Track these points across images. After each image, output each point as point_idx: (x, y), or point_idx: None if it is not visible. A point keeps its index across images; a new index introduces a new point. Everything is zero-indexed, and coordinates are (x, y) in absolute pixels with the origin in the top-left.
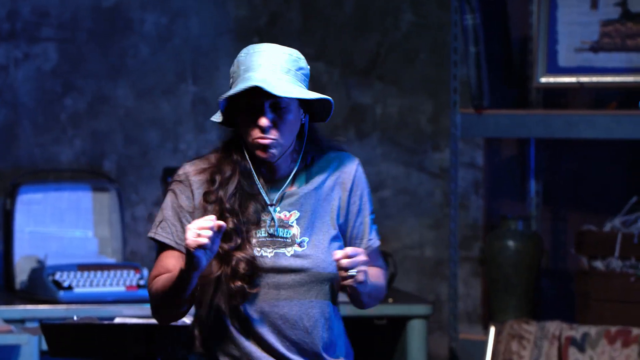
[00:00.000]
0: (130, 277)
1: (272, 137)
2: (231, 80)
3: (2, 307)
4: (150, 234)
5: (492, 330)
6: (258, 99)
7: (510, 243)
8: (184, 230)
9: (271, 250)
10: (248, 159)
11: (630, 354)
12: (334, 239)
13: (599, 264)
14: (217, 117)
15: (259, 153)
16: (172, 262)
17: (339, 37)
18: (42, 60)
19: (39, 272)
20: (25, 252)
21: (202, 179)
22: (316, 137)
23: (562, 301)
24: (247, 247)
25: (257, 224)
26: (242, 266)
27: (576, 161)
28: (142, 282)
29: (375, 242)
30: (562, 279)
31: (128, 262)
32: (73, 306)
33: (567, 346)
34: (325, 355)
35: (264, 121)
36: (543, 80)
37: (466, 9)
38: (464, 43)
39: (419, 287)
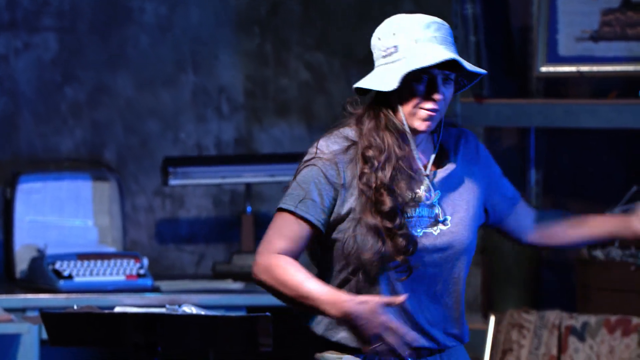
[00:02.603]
0: (130, 267)
1: (439, 108)
2: (391, 50)
3: (2, 296)
4: (288, 207)
5: (492, 319)
6: (433, 72)
7: None
8: (323, 207)
9: (420, 230)
10: (408, 131)
11: (630, 343)
12: (475, 217)
13: (599, 254)
14: (386, 86)
15: (419, 124)
16: (300, 235)
17: (340, 27)
18: (42, 50)
19: (39, 261)
20: (25, 241)
21: (348, 158)
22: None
23: (562, 290)
24: (406, 226)
25: (411, 202)
26: (404, 244)
27: (576, 151)
28: (142, 272)
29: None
30: (562, 269)
31: (128, 251)
32: (73, 295)
33: (567, 335)
34: (455, 331)
35: (438, 95)
36: (543, 69)
37: None
38: (464, 32)
39: None
